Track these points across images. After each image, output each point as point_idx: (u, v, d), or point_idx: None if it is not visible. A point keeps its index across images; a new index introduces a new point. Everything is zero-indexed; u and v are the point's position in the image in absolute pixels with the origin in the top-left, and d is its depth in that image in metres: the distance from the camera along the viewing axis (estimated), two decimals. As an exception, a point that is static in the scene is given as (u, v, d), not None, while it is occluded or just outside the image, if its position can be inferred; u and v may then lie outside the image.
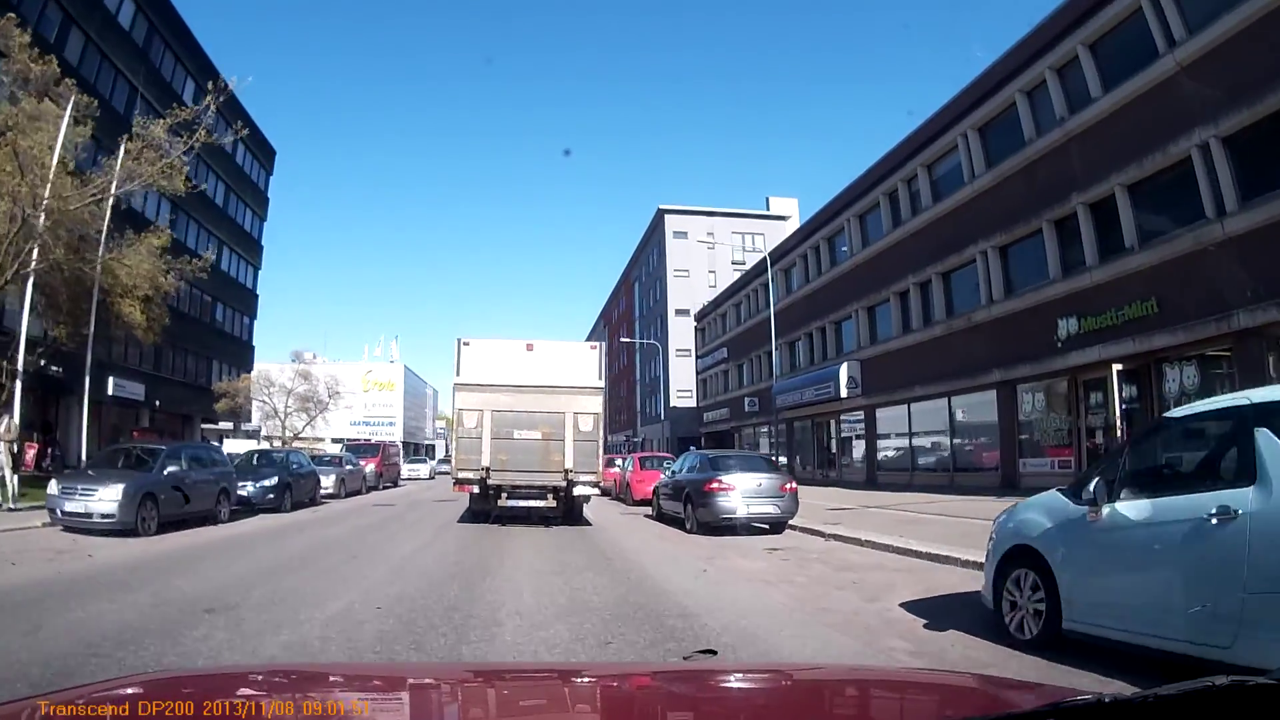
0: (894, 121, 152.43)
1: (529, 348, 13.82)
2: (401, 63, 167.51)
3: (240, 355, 42.13)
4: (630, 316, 72.68)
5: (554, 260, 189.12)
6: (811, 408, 30.52)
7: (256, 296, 45.17)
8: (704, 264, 58.34)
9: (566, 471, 13.28)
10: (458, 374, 13.61)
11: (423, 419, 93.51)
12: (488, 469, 13.23)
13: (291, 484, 17.94)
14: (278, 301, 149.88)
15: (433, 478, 44.41)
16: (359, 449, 29.38)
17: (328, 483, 22.03)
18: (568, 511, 14.10)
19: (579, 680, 2.28)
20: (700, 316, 49.87)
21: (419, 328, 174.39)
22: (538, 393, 13.29)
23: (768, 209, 60.67)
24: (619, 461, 27.41)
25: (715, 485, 12.75)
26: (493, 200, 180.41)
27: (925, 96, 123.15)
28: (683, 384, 55.91)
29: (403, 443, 76.97)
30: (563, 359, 13.89)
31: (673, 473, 15.53)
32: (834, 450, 30.92)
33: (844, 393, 27.36)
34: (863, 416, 27.81)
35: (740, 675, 2.49)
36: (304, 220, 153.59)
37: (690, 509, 13.38)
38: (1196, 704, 1.07)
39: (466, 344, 13.75)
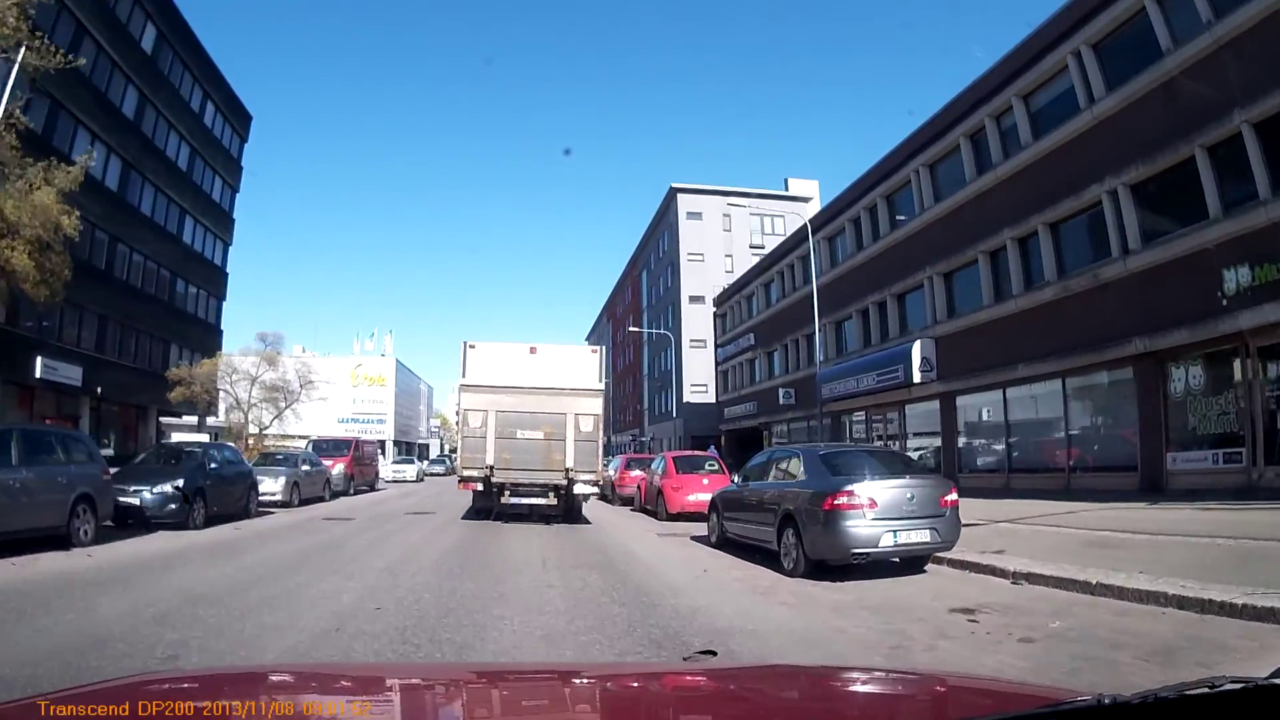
0: (901, 122, 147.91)
1: (532, 350, 14.17)
2: (401, 62, 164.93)
3: (205, 340, 36.81)
4: (637, 308, 67.73)
5: (555, 258, 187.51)
6: (869, 397, 25.49)
7: (226, 275, 40.13)
8: (720, 247, 53.68)
9: (567, 470, 13.59)
10: (463, 375, 13.91)
11: (416, 416, 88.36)
12: (492, 467, 13.51)
13: (206, 490, 13.04)
14: (271, 298, 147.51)
15: (421, 480, 39.51)
16: (326, 446, 24.40)
17: (273, 487, 17.14)
18: (567, 510, 14.47)
19: (579, 680, 2.21)
20: (720, 301, 44.78)
21: (415, 327, 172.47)
22: (540, 394, 13.60)
23: (786, 189, 55.73)
24: (631, 463, 22.45)
25: (843, 501, 7.83)
26: (493, 200, 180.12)
27: (927, 98, 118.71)
28: (698, 377, 51.02)
29: (394, 441, 72.34)
30: (564, 361, 14.22)
31: (744, 479, 10.62)
32: (901, 449, 25.76)
33: (917, 377, 22.43)
34: (938, 406, 22.85)
35: (740, 675, 2.50)
36: (301, 218, 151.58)
37: (792, 537, 8.45)
38: (1196, 705, 1.04)
39: (472, 347, 13.99)
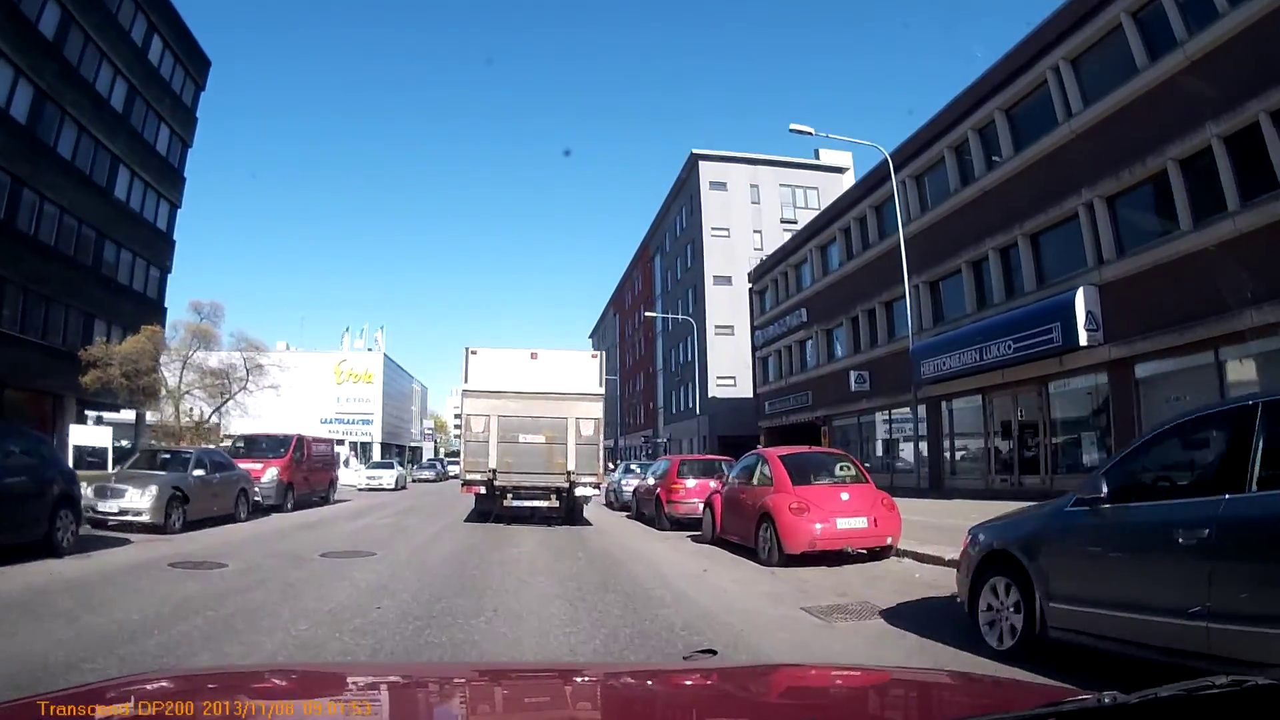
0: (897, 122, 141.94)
1: (533, 356, 14.27)
2: (402, 60, 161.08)
3: (142, 317, 29.47)
4: (650, 295, 61.29)
5: (557, 257, 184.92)
6: (995, 373, 18.95)
7: (172, 242, 33.74)
8: (747, 222, 47.53)
9: (569, 473, 13.78)
10: (465, 381, 14.10)
11: (408, 417, 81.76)
12: (494, 471, 13.70)
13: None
14: (267, 294, 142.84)
15: (401, 488, 32.68)
16: (261, 444, 17.89)
17: (137, 503, 10.87)
18: (569, 511, 14.58)
19: (579, 680, 2.18)
20: (758, 275, 38.18)
21: (411, 327, 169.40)
22: (541, 399, 13.81)
23: (817, 159, 49.44)
24: (686, 467, 15.30)
25: None
26: (494, 199, 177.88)
27: (927, 96, 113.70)
28: (725, 368, 44.66)
29: (381, 443, 65.93)
30: (565, 367, 14.35)
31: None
32: (1046, 443, 18.89)
33: (1084, 338, 16.00)
34: (1105, 380, 16.43)
35: (740, 675, 2.42)
36: (300, 216, 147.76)
37: None
38: (1196, 705, 1.03)
39: (474, 353, 14.13)
